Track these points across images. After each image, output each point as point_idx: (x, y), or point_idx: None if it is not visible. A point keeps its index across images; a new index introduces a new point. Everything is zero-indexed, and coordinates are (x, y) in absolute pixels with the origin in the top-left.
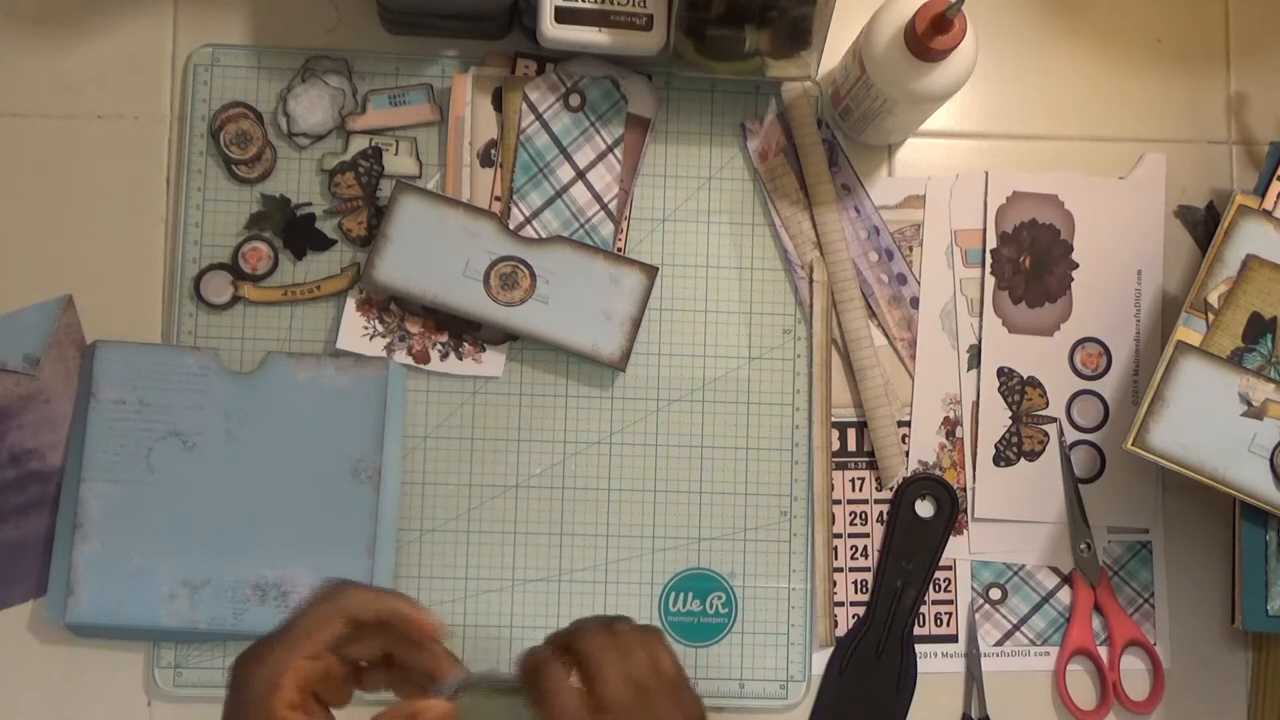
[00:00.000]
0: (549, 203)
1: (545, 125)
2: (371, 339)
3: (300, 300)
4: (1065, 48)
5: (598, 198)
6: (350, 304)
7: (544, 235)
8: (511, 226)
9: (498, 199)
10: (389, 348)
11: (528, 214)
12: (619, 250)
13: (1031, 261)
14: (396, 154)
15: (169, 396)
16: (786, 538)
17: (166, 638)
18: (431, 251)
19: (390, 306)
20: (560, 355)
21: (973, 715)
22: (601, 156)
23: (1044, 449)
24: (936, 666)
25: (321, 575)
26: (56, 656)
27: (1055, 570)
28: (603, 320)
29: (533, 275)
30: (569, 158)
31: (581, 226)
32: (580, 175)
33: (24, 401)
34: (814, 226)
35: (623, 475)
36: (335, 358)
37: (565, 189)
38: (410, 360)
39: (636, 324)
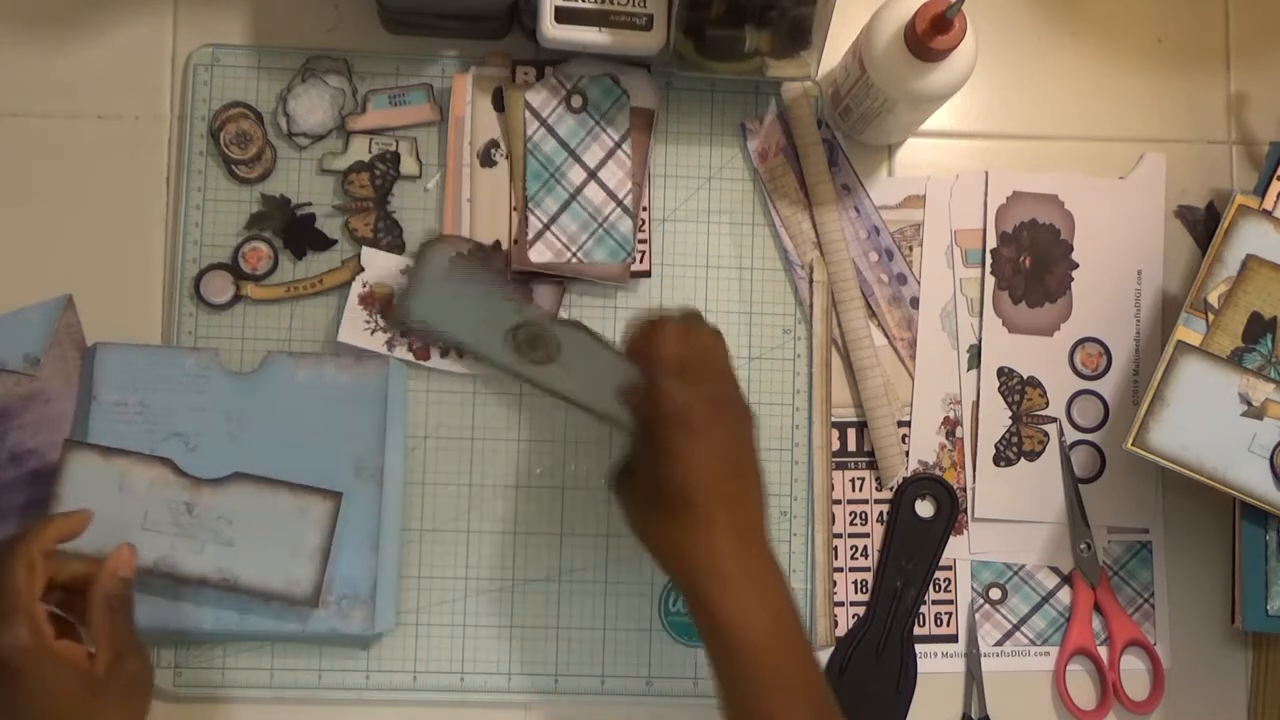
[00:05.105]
0: (564, 206)
1: (550, 130)
2: (373, 333)
3: (303, 296)
4: (1065, 48)
5: (612, 195)
6: (353, 296)
7: (562, 242)
8: (529, 235)
9: (515, 210)
10: (389, 343)
11: (545, 220)
12: (640, 243)
13: (1031, 261)
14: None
15: (170, 398)
16: (786, 538)
17: (167, 638)
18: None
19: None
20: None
21: (973, 715)
22: (610, 153)
23: (1044, 449)
24: (936, 666)
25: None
26: None
27: (1055, 570)
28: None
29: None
30: (578, 159)
31: (600, 226)
32: (592, 175)
33: (24, 401)
34: (814, 226)
35: None
36: (335, 356)
37: (579, 190)
38: (410, 356)
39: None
